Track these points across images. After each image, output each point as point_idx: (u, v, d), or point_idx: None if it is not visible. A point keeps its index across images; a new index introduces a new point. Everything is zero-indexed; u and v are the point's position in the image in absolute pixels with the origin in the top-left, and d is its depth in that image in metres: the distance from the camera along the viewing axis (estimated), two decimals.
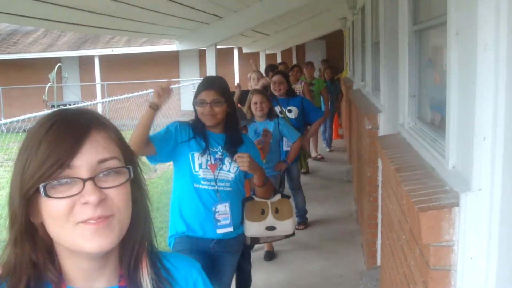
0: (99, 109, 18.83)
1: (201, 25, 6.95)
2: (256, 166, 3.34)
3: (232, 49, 17.09)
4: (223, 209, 3.43)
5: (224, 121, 3.51)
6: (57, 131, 1.08)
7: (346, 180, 9.41)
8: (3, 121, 6.50)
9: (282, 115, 6.11)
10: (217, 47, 7.36)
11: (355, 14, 9.22)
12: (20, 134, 9.47)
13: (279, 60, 17.57)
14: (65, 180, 1.07)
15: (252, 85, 6.74)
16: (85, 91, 22.82)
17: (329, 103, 11.41)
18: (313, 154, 11.05)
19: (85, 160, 1.08)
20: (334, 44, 20.69)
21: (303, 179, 8.62)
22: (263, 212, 3.58)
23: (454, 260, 1.84)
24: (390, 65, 4.28)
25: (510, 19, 1.58)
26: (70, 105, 13.42)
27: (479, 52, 1.69)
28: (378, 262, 4.92)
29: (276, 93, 6.63)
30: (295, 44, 20.04)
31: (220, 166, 3.45)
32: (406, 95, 3.29)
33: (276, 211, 3.61)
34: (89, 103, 11.96)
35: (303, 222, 6.99)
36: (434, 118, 2.78)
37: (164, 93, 3.40)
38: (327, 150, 12.09)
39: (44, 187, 1.05)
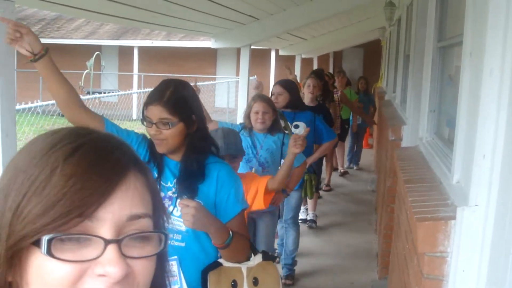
0: (135, 99, 19.17)
1: (237, 25, 7.07)
2: (207, 222, 2.27)
3: (269, 51, 17.20)
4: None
5: (184, 146, 2.52)
6: (83, 162, 0.75)
7: (370, 189, 9.46)
8: (40, 103, 6.71)
9: (287, 132, 4.86)
10: (254, 47, 7.48)
11: (392, 25, 9.25)
12: (55, 117, 9.78)
13: (315, 65, 17.62)
14: (80, 236, 0.73)
15: (305, 92, 6.78)
16: (122, 81, 23.19)
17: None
18: (339, 168, 10.55)
19: (113, 213, 0.75)
20: (372, 53, 20.61)
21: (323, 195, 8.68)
22: (234, 286, 2.49)
23: (447, 270, 1.92)
24: (416, 78, 4.34)
25: None
26: (105, 92, 13.70)
27: (484, 75, 1.77)
28: None
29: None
30: (333, 50, 20.04)
31: (171, 209, 2.44)
32: (426, 110, 3.37)
33: (255, 282, 2.53)
34: (124, 92, 12.19)
35: (290, 275, 5.48)
36: (449, 134, 2.85)
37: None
38: (354, 168, 11.24)
39: (49, 241, 0.71)
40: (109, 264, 0.73)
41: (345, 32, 13.32)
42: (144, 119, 2.49)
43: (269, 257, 2.64)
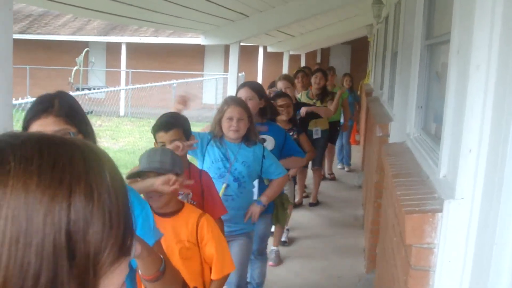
0: (122, 96, 19.15)
1: (227, 22, 7.11)
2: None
3: (257, 47, 17.25)
4: None
5: None
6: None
7: (356, 185, 9.54)
8: (30, 99, 6.72)
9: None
10: (242, 44, 7.52)
11: (380, 22, 9.33)
12: None
13: (302, 62, 17.71)
14: None
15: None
16: (110, 77, 23.16)
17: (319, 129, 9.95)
18: (326, 174, 9.94)
19: None
20: (359, 50, 20.72)
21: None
22: None
23: (433, 261, 1.98)
24: (404, 75, 4.40)
25: (502, 44, 1.71)
26: (94, 89, 13.70)
27: (471, 72, 1.83)
28: None
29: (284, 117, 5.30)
30: (320, 47, 20.13)
31: None
32: (413, 106, 3.43)
33: None
34: (110, 89, 12.19)
35: None
36: (436, 130, 2.92)
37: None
38: (345, 170, 10.87)
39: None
40: None
41: (332, 29, 13.41)
42: None
43: None
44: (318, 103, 7.62)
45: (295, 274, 5.61)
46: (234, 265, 3.00)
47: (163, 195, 2.68)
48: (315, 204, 8.26)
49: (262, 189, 4.18)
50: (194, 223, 2.82)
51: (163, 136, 3.22)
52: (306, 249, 6.35)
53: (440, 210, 1.94)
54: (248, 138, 3.86)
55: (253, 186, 4.09)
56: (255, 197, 4.10)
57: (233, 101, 3.94)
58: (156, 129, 3.29)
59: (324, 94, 7.89)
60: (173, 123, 3.29)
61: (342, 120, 10.15)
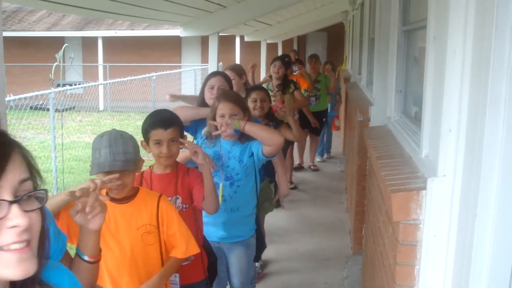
0: (101, 90, 19.09)
1: (205, 13, 7.15)
2: None
3: (234, 37, 17.29)
4: None
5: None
6: None
7: (339, 170, 9.69)
8: (12, 97, 6.73)
9: None
10: (220, 34, 7.58)
11: (355, 9, 9.45)
12: (28, 111, 9.77)
13: (279, 50, 17.79)
14: None
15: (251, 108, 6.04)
16: (87, 72, 23.05)
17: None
18: (310, 164, 9.84)
19: (8, 181, 1.04)
20: (335, 36, 20.87)
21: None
22: None
23: (420, 236, 2.10)
24: (382, 61, 4.51)
25: (476, 30, 1.82)
26: (74, 84, 13.66)
27: (448, 57, 1.94)
28: None
29: (257, 113, 4.71)
30: (297, 35, 20.23)
31: None
32: (393, 90, 3.55)
33: None
34: (92, 84, 12.17)
35: None
36: (416, 113, 3.04)
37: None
38: (325, 156, 10.70)
39: None
40: (16, 218, 1.02)
41: (309, 16, 13.51)
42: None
43: None
44: (280, 95, 6.65)
45: (284, 257, 5.73)
46: (198, 248, 2.85)
47: (126, 187, 2.63)
48: (294, 187, 8.32)
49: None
50: (154, 205, 2.73)
51: (161, 134, 3.03)
52: (292, 233, 6.48)
53: (424, 188, 2.06)
54: (244, 134, 3.55)
55: (254, 187, 3.76)
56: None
57: (223, 96, 3.67)
58: (152, 126, 3.07)
59: (285, 85, 7.28)
60: (172, 121, 3.13)
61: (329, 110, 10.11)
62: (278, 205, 5.25)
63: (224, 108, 3.56)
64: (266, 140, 3.47)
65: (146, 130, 3.10)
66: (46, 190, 1.12)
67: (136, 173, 2.76)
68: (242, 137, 3.59)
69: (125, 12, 6.41)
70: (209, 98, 4.10)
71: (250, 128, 3.48)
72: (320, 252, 5.87)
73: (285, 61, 7.42)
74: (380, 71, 4.68)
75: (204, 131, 3.82)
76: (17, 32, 22.21)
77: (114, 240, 2.66)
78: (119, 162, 2.53)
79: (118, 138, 2.58)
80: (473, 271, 1.75)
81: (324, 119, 9.71)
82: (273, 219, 6.76)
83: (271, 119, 4.84)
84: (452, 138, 1.96)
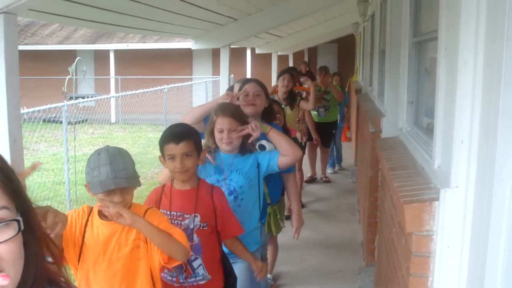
0: (113, 103, 19.21)
1: (216, 26, 7.21)
2: None
3: (245, 49, 17.36)
4: None
5: None
6: None
7: (351, 181, 9.68)
8: (25, 110, 6.81)
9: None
10: (231, 47, 7.64)
11: (366, 20, 9.47)
12: (41, 123, 9.85)
13: (290, 62, 17.83)
14: None
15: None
16: (99, 85, 23.21)
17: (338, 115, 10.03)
18: (320, 175, 9.81)
19: None
20: (346, 47, 20.89)
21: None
22: None
23: (433, 247, 2.10)
24: (393, 72, 4.52)
25: (487, 40, 1.83)
26: (86, 97, 13.77)
27: (459, 68, 1.95)
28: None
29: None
30: (307, 47, 20.27)
31: None
32: (405, 102, 3.56)
33: None
34: (104, 96, 12.25)
35: None
36: (428, 124, 3.04)
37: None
38: (337, 167, 10.67)
39: None
40: None
41: (319, 28, 13.55)
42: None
43: None
44: (287, 110, 6.83)
45: (295, 269, 5.72)
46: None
47: (126, 204, 2.58)
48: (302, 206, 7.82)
49: (273, 189, 4.06)
50: None
51: (173, 148, 3.00)
52: (305, 245, 6.46)
53: (437, 199, 2.06)
54: (244, 147, 3.56)
55: (257, 199, 3.65)
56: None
57: (221, 111, 3.56)
58: (165, 141, 3.06)
59: (292, 98, 7.08)
60: (184, 134, 3.07)
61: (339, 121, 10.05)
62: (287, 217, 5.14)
63: (222, 123, 3.48)
64: (286, 150, 3.47)
65: (161, 145, 3.09)
66: (18, 220, 1.05)
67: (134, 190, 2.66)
68: (242, 150, 3.55)
69: (136, 25, 6.47)
70: (243, 105, 3.93)
71: (274, 135, 3.52)
72: (333, 264, 5.86)
73: (293, 74, 7.30)
74: (391, 82, 4.69)
75: (203, 143, 3.55)
76: (30, 45, 22.43)
77: (103, 258, 2.58)
78: (122, 180, 2.46)
79: (117, 155, 2.51)
80: (486, 282, 1.75)
81: (334, 131, 9.66)
82: (285, 229, 6.77)
83: (267, 119, 4.27)
84: (464, 149, 1.96)
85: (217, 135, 3.50)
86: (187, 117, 3.67)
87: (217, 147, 3.54)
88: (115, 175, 2.44)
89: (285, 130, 4.70)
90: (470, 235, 1.97)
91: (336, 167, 10.68)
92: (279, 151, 3.51)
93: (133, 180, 2.54)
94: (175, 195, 3.12)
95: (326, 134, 8.89)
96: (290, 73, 7.17)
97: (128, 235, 2.60)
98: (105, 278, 2.59)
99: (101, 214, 2.58)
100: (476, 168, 1.92)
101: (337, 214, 7.78)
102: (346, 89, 12.96)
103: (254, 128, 3.43)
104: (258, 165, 3.53)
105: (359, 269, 5.63)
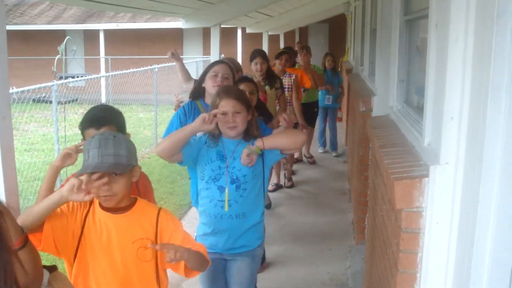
0: (103, 83, 19.10)
1: (206, 5, 7.15)
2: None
3: (235, 29, 17.27)
4: None
5: None
6: None
7: (341, 160, 9.70)
8: (15, 90, 6.76)
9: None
10: (221, 26, 7.59)
11: (357, 0, 9.43)
12: (30, 103, 9.80)
13: (281, 42, 17.77)
14: None
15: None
16: (89, 64, 23.08)
17: (331, 97, 9.98)
18: (303, 157, 9.62)
19: None
20: (337, 27, 20.84)
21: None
22: None
23: (422, 224, 2.12)
24: (384, 51, 4.51)
25: (478, 17, 1.83)
26: (76, 77, 13.68)
27: (450, 44, 1.95)
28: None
29: None
30: (298, 26, 20.20)
31: None
32: (395, 80, 3.56)
33: None
34: (94, 76, 12.17)
35: None
36: (418, 102, 3.05)
37: (211, 120, 3.11)
38: (333, 154, 10.24)
39: None
40: None
41: (311, 8, 13.48)
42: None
43: None
44: (267, 89, 6.47)
45: (287, 248, 5.75)
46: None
47: (115, 195, 2.38)
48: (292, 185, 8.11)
49: None
50: (153, 218, 2.49)
51: (93, 133, 2.65)
52: (295, 223, 6.50)
53: (427, 176, 2.08)
54: (249, 132, 3.33)
55: (262, 190, 3.45)
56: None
57: (225, 92, 3.34)
58: (85, 125, 2.82)
59: (271, 79, 6.62)
60: (106, 118, 2.84)
61: (328, 102, 9.96)
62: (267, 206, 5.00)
63: (226, 105, 3.25)
64: (290, 145, 3.30)
65: (82, 129, 2.85)
66: None
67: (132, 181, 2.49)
68: (246, 135, 3.32)
69: (126, 3, 6.41)
70: (211, 86, 3.96)
71: (271, 143, 3.24)
72: (323, 243, 5.89)
73: (265, 56, 6.65)
74: (382, 61, 4.68)
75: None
76: (19, 25, 22.23)
77: (105, 254, 2.42)
78: (106, 164, 2.29)
79: (109, 139, 2.35)
80: (475, 258, 1.77)
81: (315, 109, 9.38)
82: (275, 206, 6.82)
83: (261, 113, 4.41)
84: (454, 126, 1.97)
85: (220, 118, 3.24)
86: (160, 150, 3.19)
87: (220, 132, 3.31)
88: (101, 160, 2.29)
89: (259, 108, 4.51)
90: (459, 212, 1.99)
91: (333, 153, 10.26)
92: (283, 151, 3.32)
93: (122, 167, 2.34)
94: None
95: (307, 116, 8.33)
96: (262, 55, 6.62)
97: (134, 232, 2.44)
98: (104, 277, 2.43)
99: (103, 206, 2.43)
100: (465, 145, 1.93)
101: (327, 193, 7.81)
102: (339, 69, 12.82)
103: (246, 157, 3.22)
104: (263, 153, 3.29)
105: (349, 247, 5.67)
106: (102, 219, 2.42)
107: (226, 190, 3.25)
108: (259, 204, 3.43)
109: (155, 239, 2.44)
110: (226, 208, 3.25)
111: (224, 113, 3.24)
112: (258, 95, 4.50)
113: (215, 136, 3.30)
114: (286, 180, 8.12)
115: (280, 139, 3.28)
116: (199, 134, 3.30)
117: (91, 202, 2.43)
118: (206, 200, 3.33)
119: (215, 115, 3.14)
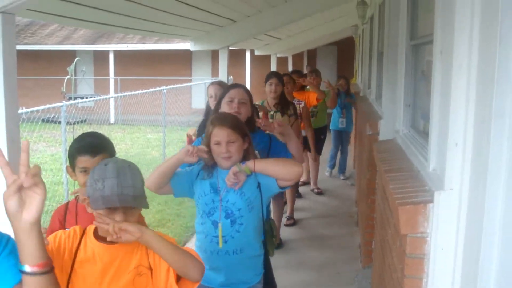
0: (112, 103, 19.22)
1: (215, 28, 7.23)
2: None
3: (244, 51, 17.40)
4: None
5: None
6: None
7: (349, 184, 9.68)
8: (24, 110, 6.81)
9: None
10: (230, 48, 7.66)
11: (365, 23, 9.48)
12: (39, 123, 9.85)
13: (290, 65, 17.85)
14: None
15: None
16: (98, 85, 23.23)
17: (344, 120, 9.79)
18: (312, 186, 9.14)
19: None
20: (345, 50, 20.89)
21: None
22: None
23: (427, 249, 2.11)
24: (391, 75, 4.54)
25: (481, 44, 1.85)
26: (85, 97, 13.78)
27: (454, 70, 1.97)
28: None
29: None
30: (307, 49, 20.30)
31: None
32: (402, 104, 3.57)
33: None
34: (103, 97, 12.25)
35: None
36: (424, 126, 3.06)
37: (194, 154, 2.94)
38: (341, 178, 10.05)
39: None
40: None
41: (318, 30, 13.57)
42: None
43: None
44: (278, 116, 6.14)
45: (294, 271, 5.73)
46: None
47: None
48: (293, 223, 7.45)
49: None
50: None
51: (88, 161, 2.59)
52: (303, 246, 6.48)
53: (431, 201, 2.08)
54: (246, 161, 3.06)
55: (260, 224, 3.24)
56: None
57: (218, 120, 3.11)
58: (80, 151, 2.65)
59: (284, 104, 6.27)
60: (102, 146, 2.69)
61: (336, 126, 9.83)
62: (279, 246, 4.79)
63: (219, 134, 3.02)
64: (283, 175, 3.01)
65: (72, 155, 2.67)
66: None
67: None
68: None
69: (135, 26, 6.49)
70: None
71: (262, 167, 3.01)
72: (330, 266, 5.86)
73: (282, 79, 6.41)
74: (389, 85, 4.70)
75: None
76: (30, 45, 22.43)
77: (100, 287, 2.22)
78: (129, 197, 2.12)
79: (126, 168, 2.17)
80: (480, 284, 1.76)
81: (322, 136, 8.99)
82: (283, 233, 6.79)
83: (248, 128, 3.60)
84: (458, 152, 1.98)
85: (215, 148, 3.03)
86: (149, 183, 2.99)
87: (214, 163, 3.09)
88: (121, 191, 2.10)
89: (249, 123, 3.76)
90: (464, 237, 1.99)
91: (341, 177, 10.07)
92: (279, 182, 3.05)
93: (140, 200, 2.19)
94: (82, 211, 2.70)
95: (316, 139, 8.06)
96: (279, 77, 6.34)
97: (130, 260, 2.25)
98: None
99: (97, 236, 2.24)
100: (470, 170, 1.94)
101: (335, 217, 7.78)
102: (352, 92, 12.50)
103: (233, 175, 2.99)
104: (259, 185, 3.08)
105: (356, 271, 5.63)
106: (96, 250, 2.25)
107: (220, 226, 3.04)
108: (257, 239, 3.22)
109: (148, 264, 2.27)
110: (221, 245, 3.05)
111: (218, 143, 3.02)
112: (252, 104, 3.93)
113: (209, 166, 3.09)
114: (286, 219, 7.30)
115: (273, 166, 3.03)
116: (193, 164, 3.10)
117: (83, 233, 2.28)
118: (202, 236, 3.15)
119: (201, 150, 2.97)
